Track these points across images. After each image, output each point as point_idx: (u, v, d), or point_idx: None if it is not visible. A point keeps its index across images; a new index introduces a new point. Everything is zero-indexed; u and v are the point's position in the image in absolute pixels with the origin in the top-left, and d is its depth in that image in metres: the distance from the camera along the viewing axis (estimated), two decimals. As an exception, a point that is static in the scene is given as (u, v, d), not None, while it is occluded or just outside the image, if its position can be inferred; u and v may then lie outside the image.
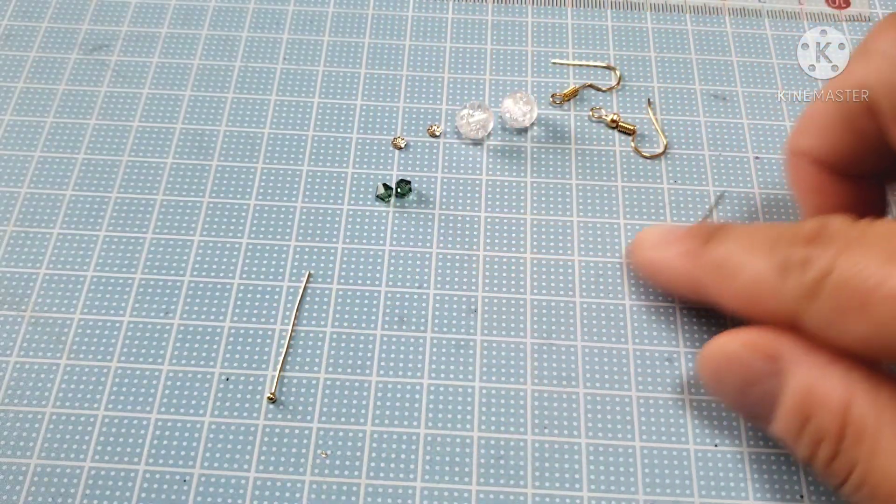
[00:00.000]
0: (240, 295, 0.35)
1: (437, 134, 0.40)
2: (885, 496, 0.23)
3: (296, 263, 0.36)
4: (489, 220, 0.37)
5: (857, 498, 0.24)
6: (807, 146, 0.31)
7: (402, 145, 0.40)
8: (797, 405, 0.25)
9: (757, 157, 0.40)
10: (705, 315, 0.34)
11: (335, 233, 0.37)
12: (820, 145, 0.31)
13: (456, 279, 0.36)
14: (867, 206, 0.31)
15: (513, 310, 0.35)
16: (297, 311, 0.34)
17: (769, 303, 0.26)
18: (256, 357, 0.33)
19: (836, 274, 0.23)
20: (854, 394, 0.23)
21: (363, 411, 0.32)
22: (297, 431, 0.32)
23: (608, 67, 0.43)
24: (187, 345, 0.34)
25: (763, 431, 0.30)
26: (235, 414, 0.32)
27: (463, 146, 0.40)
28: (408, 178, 0.38)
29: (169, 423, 0.32)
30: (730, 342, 0.27)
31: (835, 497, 0.31)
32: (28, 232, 0.37)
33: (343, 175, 0.39)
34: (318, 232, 0.37)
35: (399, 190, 0.38)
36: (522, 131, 0.40)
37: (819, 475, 0.27)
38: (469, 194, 0.38)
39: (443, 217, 0.37)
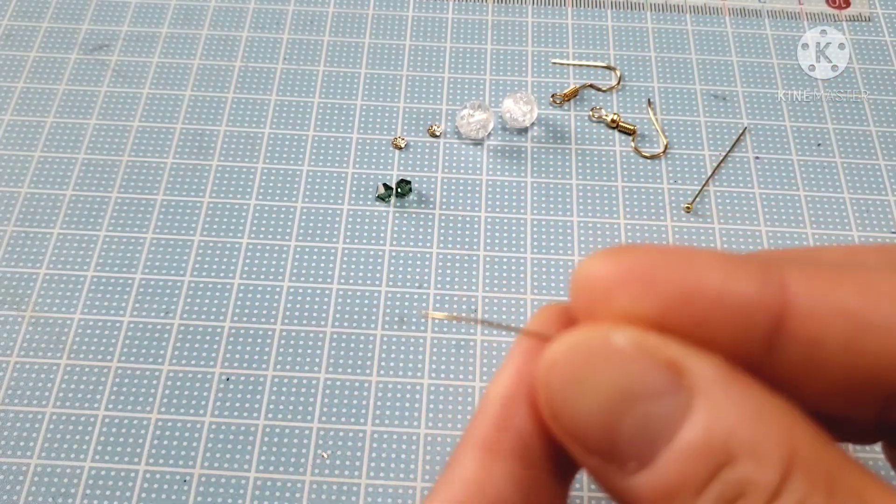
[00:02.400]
0: (240, 295, 0.35)
1: (438, 134, 0.40)
2: None
3: (296, 263, 0.36)
4: (489, 220, 0.37)
5: None
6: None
7: (403, 145, 0.40)
8: (706, 445, 0.15)
9: (757, 157, 0.40)
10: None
11: (335, 233, 0.37)
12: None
13: (456, 279, 0.36)
14: None
15: (513, 310, 0.35)
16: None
17: None
18: (256, 357, 0.33)
19: None
20: (798, 446, 0.15)
21: (363, 411, 0.32)
22: (297, 431, 0.32)
23: (608, 67, 0.43)
24: (187, 345, 0.34)
25: (609, 479, 0.16)
26: (235, 414, 0.32)
27: (463, 146, 0.40)
28: (408, 178, 0.38)
29: (169, 424, 0.32)
30: (615, 333, 0.16)
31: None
32: (28, 232, 0.37)
33: (343, 175, 0.39)
34: (319, 232, 0.37)
35: (399, 190, 0.38)
36: (523, 131, 0.40)
37: None
38: (469, 194, 0.38)
39: (443, 217, 0.37)
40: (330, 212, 0.37)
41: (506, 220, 0.37)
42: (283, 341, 0.34)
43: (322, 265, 0.36)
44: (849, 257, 0.19)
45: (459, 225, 0.37)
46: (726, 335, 0.15)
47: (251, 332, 0.34)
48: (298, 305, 0.35)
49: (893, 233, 0.37)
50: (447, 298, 0.35)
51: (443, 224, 0.37)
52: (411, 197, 0.38)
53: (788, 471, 0.15)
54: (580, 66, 0.43)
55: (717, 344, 0.15)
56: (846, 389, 0.16)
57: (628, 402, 0.15)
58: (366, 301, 0.35)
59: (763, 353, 0.16)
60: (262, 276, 0.36)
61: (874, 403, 0.16)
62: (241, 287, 0.35)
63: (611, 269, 0.16)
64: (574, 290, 0.16)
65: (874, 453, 0.31)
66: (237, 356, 0.34)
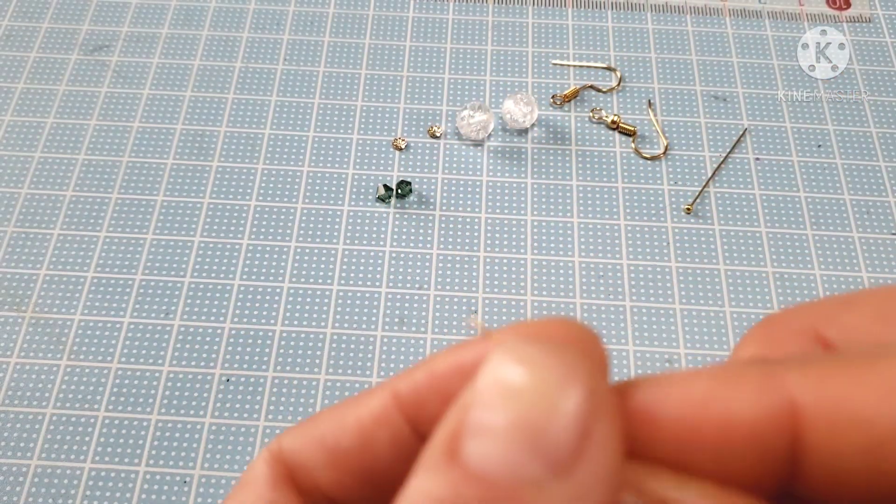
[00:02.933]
0: (240, 296, 0.35)
1: (438, 135, 0.40)
2: None
3: (296, 264, 0.36)
4: (490, 221, 0.37)
5: None
6: None
7: (403, 146, 0.40)
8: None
9: (757, 159, 0.40)
10: (706, 316, 0.34)
11: (335, 234, 0.37)
12: None
13: (456, 280, 0.36)
14: None
15: (513, 311, 0.35)
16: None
17: None
18: (256, 358, 0.33)
19: None
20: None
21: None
22: (297, 432, 0.32)
23: (609, 68, 0.43)
24: (187, 346, 0.34)
25: None
26: (235, 415, 0.32)
27: (463, 147, 0.40)
28: (408, 179, 0.38)
29: (169, 424, 0.32)
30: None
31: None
32: (28, 232, 0.37)
33: (343, 176, 0.39)
34: (319, 233, 0.37)
35: (399, 191, 0.38)
36: (523, 132, 0.40)
37: None
38: (469, 195, 0.38)
39: (443, 218, 0.37)
40: (330, 213, 0.37)
41: (506, 221, 0.37)
42: (283, 342, 0.34)
43: (322, 266, 0.36)
44: (879, 323, 0.15)
45: (460, 226, 0.37)
46: (736, 464, 0.13)
47: (251, 333, 0.34)
48: (298, 306, 0.35)
49: (894, 234, 0.37)
50: (447, 299, 0.35)
51: (443, 225, 0.37)
52: (411, 198, 0.38)
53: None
54: (580, 67, 0.43)
55: (736, 475, 0.13)
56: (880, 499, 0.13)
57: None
58: (366, 302, 0.35)
59: (790, 471, 0.13)
60: (263, 277, 0.36)
61: None
62: (242, 288, 0.35)
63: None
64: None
65: None
66: (237, 357, 0.34)
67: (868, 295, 0.16)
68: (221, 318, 0.34)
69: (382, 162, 0.39)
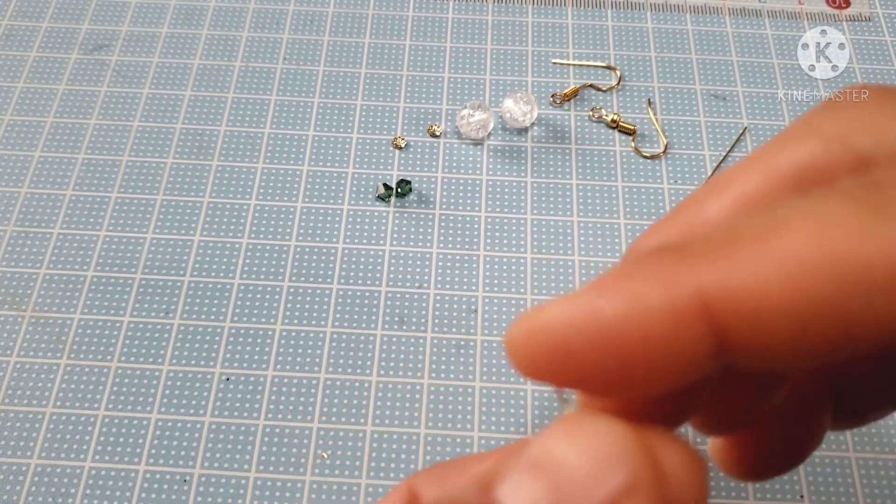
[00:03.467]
0: (240, 295, 0.35)
1: (438, 134, 0.40)
2: None
3: (296, 263, 0.36)
4: (489, 220, 0.37)
5: None
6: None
7: (403, 145, 0.40)
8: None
9: (757, 157, 0.40)
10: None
11: (335, 233, 0.37)
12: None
13: (456, 279, 0.36)
14: None
15: (513, 310, 0.35)
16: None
17: None
18: (256, 357, 0.33)
19: None
20: None
21: (363, 411, 0.32)
22: (297, 431, 0.32)
23: (608, 67, 0.43)
24: (187, 345, 0.34)
25: None
26: (235, 414, 0.32)
27: (463, 146, 0.40)
28: (408, 178, 0.38)
29: (169, 423, 0.32)
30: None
31: (835, 498, 0.31)
32: (28, 232, 0.37)
33: (343, 175, 0.39)
34: (319, 232, 0.37)
35: (399, 190, 0.38)
36: (523, 131, 0.40)
37: None
38: (469, 194, 0.38)
39: (443, 217, 0.37)
40: (330, 212, 0.37)
41: (506, 220, 0.37)
42: (283, 341, 0.34)
43: (322, 265, 0.36)
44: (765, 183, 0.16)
45: (459, 225, 0.37)
46: (662, 365, 0.13)
47: (251, 332, 0.34)
48: (298, 305, 0.35)
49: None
50: (447, 298, 0.35)
51: (443, 224, 0.37)
52: (411, 197, 0.38)
53: None
54: (580, 66, 0.43)
55: (661, 375, 0.13)
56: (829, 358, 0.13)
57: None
58: (366, 301, 0.35)
59: (720, 360, 0.13)
60: (262, 276, 0.36)
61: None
62: (241, 287, 0.35)
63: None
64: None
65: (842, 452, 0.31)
66: (237, 356, 0.34)
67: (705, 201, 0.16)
68: (221, 318, 0.34)
69: (382, 161, 0.39)
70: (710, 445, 0.19)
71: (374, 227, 0.37)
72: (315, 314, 0.35)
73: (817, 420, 0.18)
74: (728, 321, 0.12)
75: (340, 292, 0.35)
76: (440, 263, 0.36)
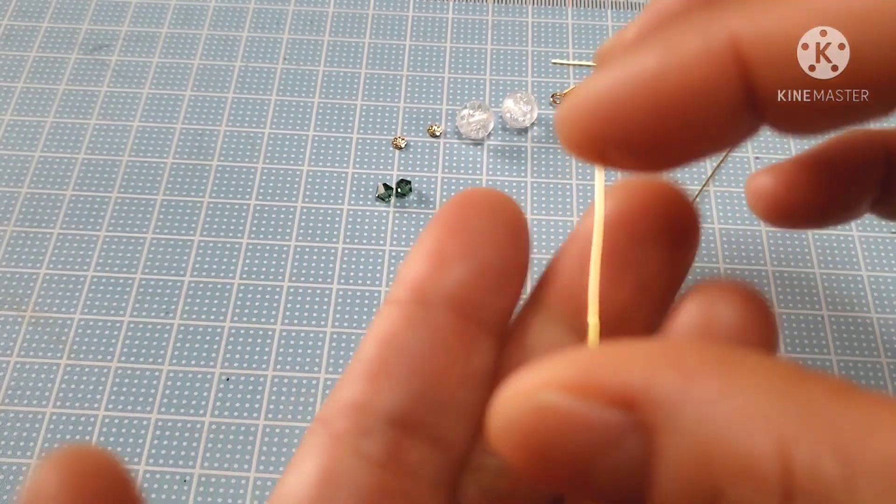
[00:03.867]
0: (240, 295, 0.35)
1: (438, 134, 0.40)
2: None
3: (296, 263, 0.36)
4: (489, 220, 0.37)
5: None
6: None
7: (403, 145, 0.40)
8: (690, 478, 0.12)
9: (757, 158, 0.40)
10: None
11: (335, 233, 0.37)
12: None
13: (456, 279, 0.36)
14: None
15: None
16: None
17: None
18: (256, 357, 0.34)
19: None
20: (793, 442, 0.11)
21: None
22: (296, 431, 0.32)
23: (608, 67, 0.43)
24: (187, 345, 0.34)
25: None
26: (235, 414, 0.32)
27: (463, 146, 0.40)
28: (408, 178, 0.38)
29: (169, 424, 0.32)
30: (546, 392, 0.13)
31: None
32: (28, 232, 0.37)
33: (343, 175, 0.39)
34: (319, 232, 0.37)
35: (399, 190, 0.38)
36: (523, 131, 0.40)
37: None
38: (469, 194, 0.38)
39: (443, 217, 0.37)
40: (330, 212, 0.37)
41: (506, 220, 0.37)
42: (283, 341, 0.34)
43: (322, 265, 0.36)
44: None
45: (459, 225, 0.37)
46: (701, 105, 0.14)
47: (251, 332, 0.34)
48: (298, 305, 0.35)
49: (893, 233, 0.37)
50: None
51: (443, 224, 0.37)
52: (411, 197, 0.38)
53: (788, 482, 0.11)
54: (580, 66, 0.43)
55: (701, 126, 0.14)
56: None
57: (590, 460, 0.13)
58: (366, 301, 0.35)
59: (749, 103, 0.14)
60: (262, 276, 0.36)
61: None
62: (241, 287, 0.35)
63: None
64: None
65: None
66: (237, 356, 0.34)
67: None
68: (221, 318, 0.34)
69: (382, 161, 0.39)
70: (750, 188, 0.22)
71: (374, 227, 0.37)
72: (315, 314, 0.35)
73: (858, 198, 0.21)
74: (759, 63, 0.13)
75: (340, 292, 0.35)
76: (440, 263, 0.36)
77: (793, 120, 0.14)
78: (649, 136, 0.14)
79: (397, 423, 0.15)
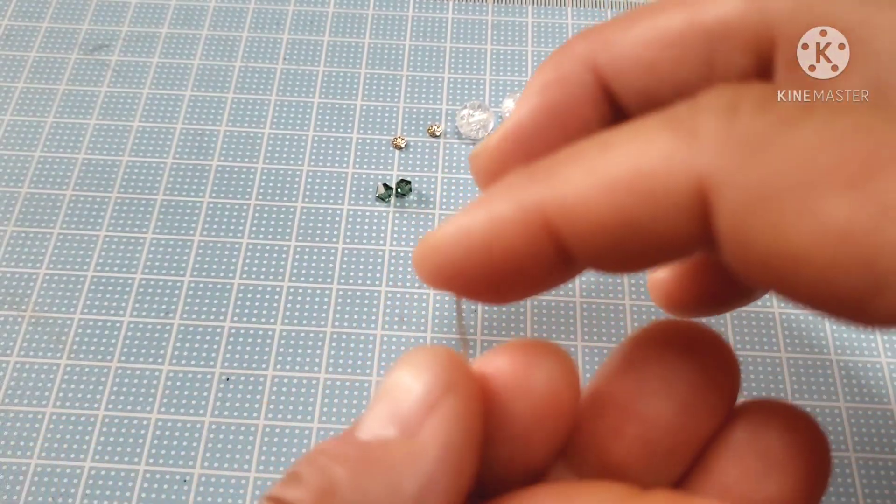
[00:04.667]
0: (240, 295, 0.35)
1: (438, 134, 0.40)
2: None
3: (296, 263, 0.36)
4: (489, 220, 0.37)
5: None
6: None
7: (403, 145, 0.40)
8: None
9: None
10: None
11: (335, 233, 0.37)
12: None
13: (456, 279, 0.36)
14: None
15: (513, 310, 0.35)
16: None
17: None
18: (256, 357, 0.34)
19: None
20: None
21: (363, 411, 0.32)
22: (297, 431, 0.32)
23: (608, 67, 0.43)
24: (187, 345, 0.34)
25: None
26: (235, 414, 0.32)
27: (463, 146, 0.40)
28: (408, 178, 0.38)
29: (169, 423, 0.32)
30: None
31: (835, 498, 0.30)
32: (28, 232, 0.37)
33: (343, 175, 0.39)
34: (319, 232, 0.37)
35: (399, 190, 0.38)
36: (522, 131, 0.40)
37: None
38: (470, 194, 0.38)
39: (443, 217, 0.37)
40: (330, 212, 0.37)
41: (506, 220, 0.37)
42: (283, 341, 0.34)
43: (322, 265, 0.36)
44: (647, 50, 0.19)
45: (459, 225, 0.37)
46: (519, 260, 0.16)
47: (251, 332, 0.34)
48: (298, 305, 0.35)
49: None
50: (447, 298, 0.35)
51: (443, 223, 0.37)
52: (411, 197, 0.38)
53: None
54: (580, 66, 0.43)
55: (524, 278, 0.16)
56: None
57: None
58: (366, 301, 0.35)
59: (562, 255, 0.16)
60: (262, 276, 0.36)
61: None
62: (241, 287, 0.35)
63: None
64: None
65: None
66: (237, 356, 0.34)
67: (642, 15, 0.19)
68: (221, 318, 0.34)
69: (382, 161, 0.39)
70: (650, 281, 0.25)
71: (374, 227, 0.37)
72: (315, 314, 0.35)
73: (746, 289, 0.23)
74: (563, 230, 0.15)
75: (340, 292, 0.35)
76: (440, 263, 0.36)
77: (603, 267, 0.16)
78: (483, 280, 0.16)
79: None
